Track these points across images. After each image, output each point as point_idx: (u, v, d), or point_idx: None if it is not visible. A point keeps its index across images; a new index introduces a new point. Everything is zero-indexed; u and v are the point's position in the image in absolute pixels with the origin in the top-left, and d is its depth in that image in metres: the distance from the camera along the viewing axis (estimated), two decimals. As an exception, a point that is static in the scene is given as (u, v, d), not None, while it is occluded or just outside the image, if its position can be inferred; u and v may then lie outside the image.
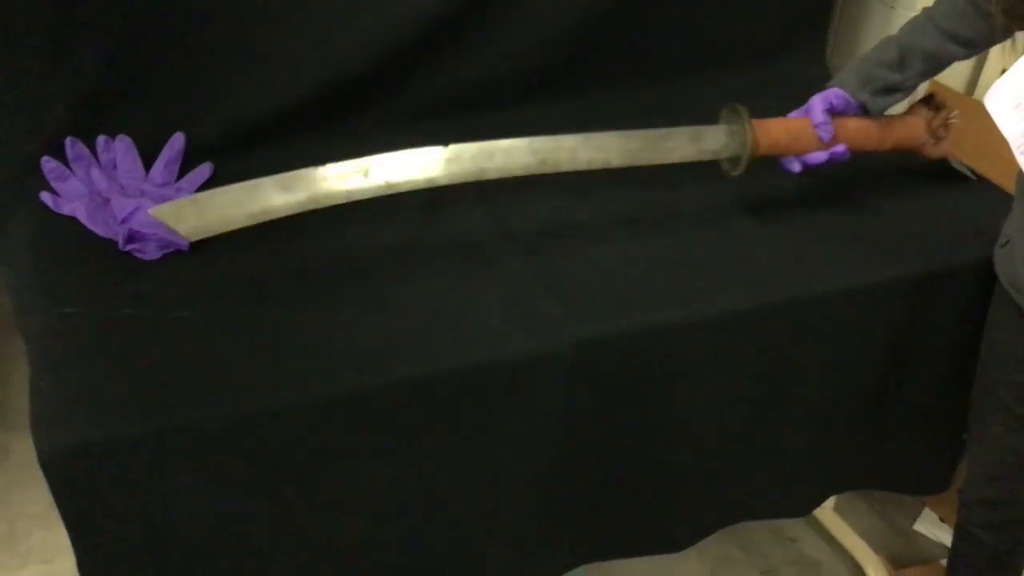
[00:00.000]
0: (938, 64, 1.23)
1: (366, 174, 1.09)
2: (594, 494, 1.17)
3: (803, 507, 1.35)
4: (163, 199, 1.19)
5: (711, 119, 1.24)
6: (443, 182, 1.11)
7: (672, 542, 1.26)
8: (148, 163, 1.27)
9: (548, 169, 1.15)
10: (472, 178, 1.12)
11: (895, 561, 1.72)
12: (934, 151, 1.33)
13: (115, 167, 1.25)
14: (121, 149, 1.26)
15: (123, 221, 1.15)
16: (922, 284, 1.18)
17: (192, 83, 1.29)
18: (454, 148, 1.12)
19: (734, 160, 1.23)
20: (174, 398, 0.92)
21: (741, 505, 1.29)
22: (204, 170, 1.29)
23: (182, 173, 1.29)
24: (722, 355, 1.13)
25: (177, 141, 1.28)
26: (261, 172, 1.29)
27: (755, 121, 1.21)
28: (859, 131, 1.26)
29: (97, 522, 0.90)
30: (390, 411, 0.99)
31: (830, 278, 1.16)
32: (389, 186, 1.10)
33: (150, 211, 1.07)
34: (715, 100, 1.25)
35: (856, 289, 1.15)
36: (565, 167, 1.16)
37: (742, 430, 1.21)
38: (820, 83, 1.27)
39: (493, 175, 1.13)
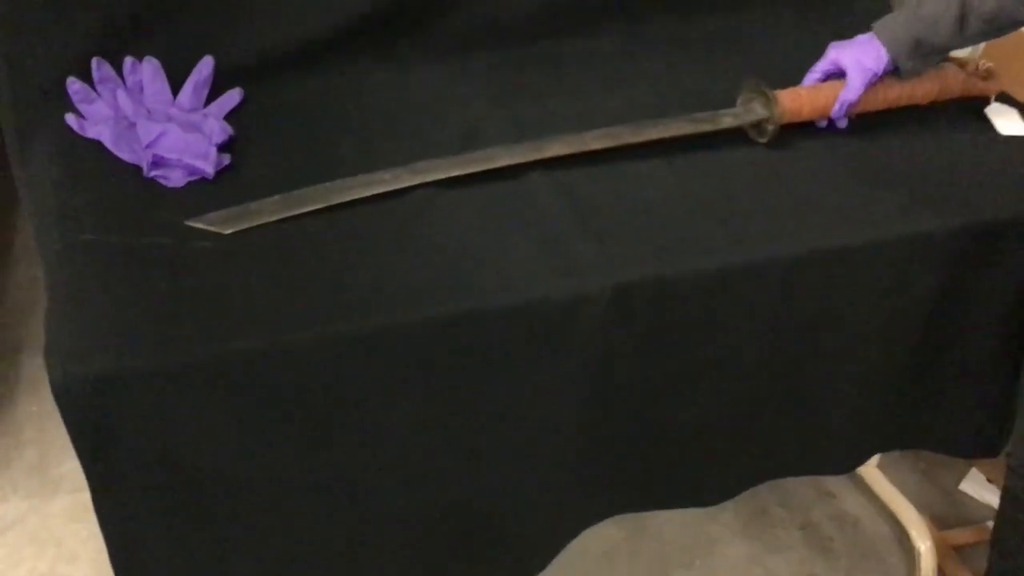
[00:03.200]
0: (999, 27, 1.12)
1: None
2: (629, 443, 1.12)
3: (845, 465, 1.30)
4: (190, 125, 1.15)
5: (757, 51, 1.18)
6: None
7: (708, 495, 1.22)
8: (176, 88, 1.22)
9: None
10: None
11: (939, 522, 1.67)
12: (987, 87, 1.28)
13: (142, 90, 1.21)
14: (148, 72, 1.21)
15: (148, 146, 1.11)
16: (977, 237, 1.11)
17: (222, 4, 1.24)
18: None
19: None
20: (195, 332, 0.89)
21: (780, 461, 1.24)
22: (234, 95, 1.24)
23: (211, 98, 1.24)
24: (765, 304, 1.07)
25: (206, 65, 1.23)
26: (292, 101, 1.26)
27: (779, 95, 1.20)
28: (889, 97, 1.23)
29: (112, 457, 0.87)
30: (417, 351, 0.95)
31: (883, 226, 1.09)
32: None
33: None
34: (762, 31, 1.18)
35: (909, 239, 1.08)
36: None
37: (783, 383, 1.15)
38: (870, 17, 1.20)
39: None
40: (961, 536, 1.66)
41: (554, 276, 0.99)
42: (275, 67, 1.27)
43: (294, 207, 1.06)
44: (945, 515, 1.70)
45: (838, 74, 1.21)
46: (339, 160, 1.16)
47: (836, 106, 1.19)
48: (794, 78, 1.26)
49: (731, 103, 1.26)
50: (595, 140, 1.17)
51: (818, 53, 1.24)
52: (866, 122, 1.23)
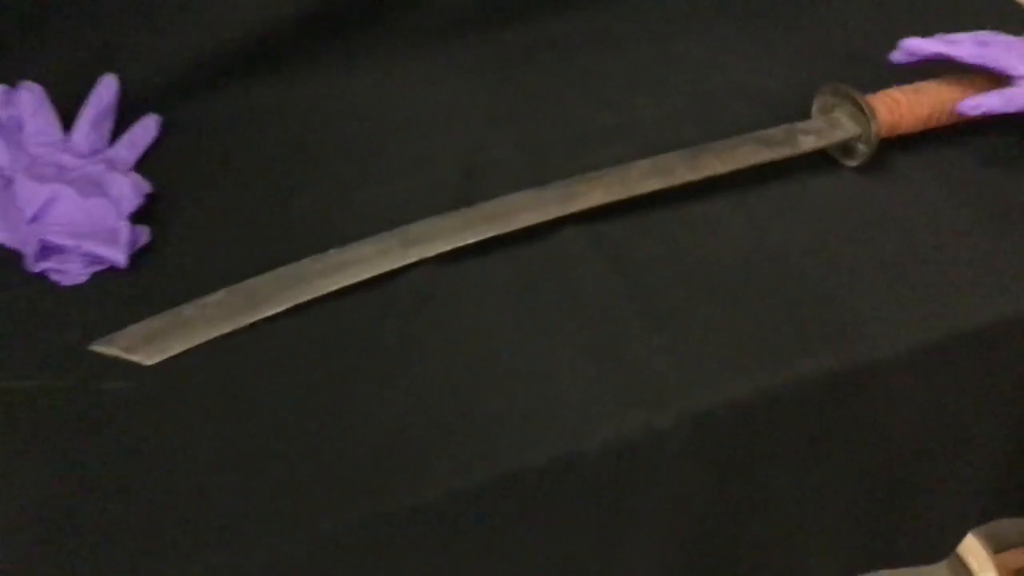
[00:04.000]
0: None
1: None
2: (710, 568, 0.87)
3: (946, 550, 1.06)
4: (90, 183, 0.83)
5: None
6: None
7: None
8: (69, 121, 0.90)
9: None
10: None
11: (996, 541, 1.48)
12: None
13: (20, 129, 0.88)
14: (29, 102, 0.89)
15: (33, 220, 0.80)
16: None
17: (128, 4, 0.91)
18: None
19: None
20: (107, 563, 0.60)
21: (875, 556, 1.00)
22: (149, 127, 0.93)
23: (118, 132, 0.92)
24: (884, 405, 0.81)
25: (107, 88, 0.91)
26: (228, 128, 0.95)
27: (875, 105, 0.91)
28: None
29: None
30: (436, 535, 0.68)
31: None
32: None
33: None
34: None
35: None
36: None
37: (885, 480, 0.90)
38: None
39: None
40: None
41: (613, 406, 0.72)
42: (204, 82, 0.95)
43: (244, 312, 0.76)
44: (1003, 534, 1.50)
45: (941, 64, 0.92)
46: (300, 218, 0.86)
47: (971, 107, 0.90)
48: (870, 62, 0.98)
49: (796, 100, 0.98)
50: (642, 179, 0.87)
51: (898, 28, 0.96)
52: (964, 133, 0.95)
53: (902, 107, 0.92)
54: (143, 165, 0.89)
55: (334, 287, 0.78)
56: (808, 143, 0.91)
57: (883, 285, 0.81)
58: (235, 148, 0.92)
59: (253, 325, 0.76)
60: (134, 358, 0.72)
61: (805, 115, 0.96)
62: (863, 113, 0.91)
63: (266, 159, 0.91)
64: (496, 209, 0.85)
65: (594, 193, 0.86)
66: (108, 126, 0.91)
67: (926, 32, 1.04)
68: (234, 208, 0.86)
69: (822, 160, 0.94)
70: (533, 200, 0.85)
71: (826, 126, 0.93)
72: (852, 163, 0.93)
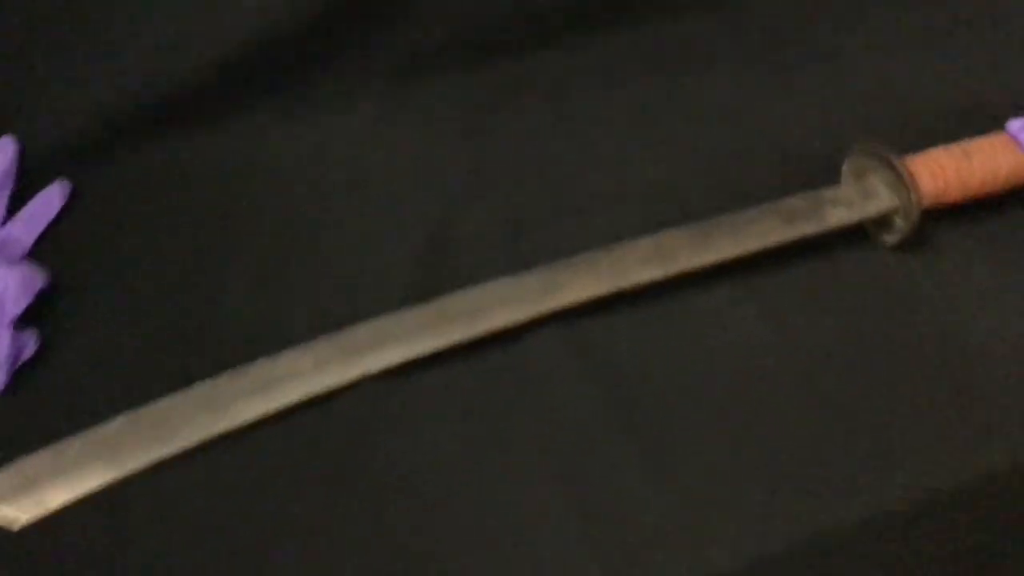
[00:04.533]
0: None
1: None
2: None
3: None
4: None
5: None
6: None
7: None
8: (-46, 192, 0.76)
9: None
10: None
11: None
12: None
13: None
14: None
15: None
16: None
17: (23, 56, 0.76)
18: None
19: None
20: None
21: None
22: (52, 199, 0.78)
23: (16, 204, 0.77)
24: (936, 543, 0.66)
25: (2, 152, 0.77)
26: (145, 186, 0.80)
27: (916, 169, 0.76)
28: None
29: None
30: None
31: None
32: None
33: None
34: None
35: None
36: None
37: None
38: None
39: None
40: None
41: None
42: (117, 141, 0.81)
43: (146, 447, 0.62)
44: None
45: None
46: (224, 315, 0.71)
47: None
48: (910, 112, 0.84)
49: (823, 157, 0.83)
50: (640, 266, 0.73)
51: (942, 70, 0.81)
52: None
53: (948, 174, 0.77)
54: (42, 244, 0.75)
55: (257, 414, 0.63)
56: (837, 217, 0.76)
57: (931, 404, 0.66)
58: (151, 220, 0.77)
59: (158, 464, 0.61)
60: (1, 513, 0.57)
61: (833, 176, 0.81)
62: (902, 181, 0.76)
63: (187, 236, 0.76)
64: (460, 306, 0.70)
65: (581, 284, 0.71)
66: (3, 197, 0.76)
67: (969, 73, 0.89)
68: (145, 301, 0.71)
69: (853, 235, 0.79)
70: (506, 293, 0.71)
71: (858, 196, 0.78)
72: (890, 239, 0.78)
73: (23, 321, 0.67)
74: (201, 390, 0.64)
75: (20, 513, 0.58)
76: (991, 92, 0.88)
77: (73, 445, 0.61)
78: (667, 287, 0.72)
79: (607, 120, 0.90)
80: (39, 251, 0.74)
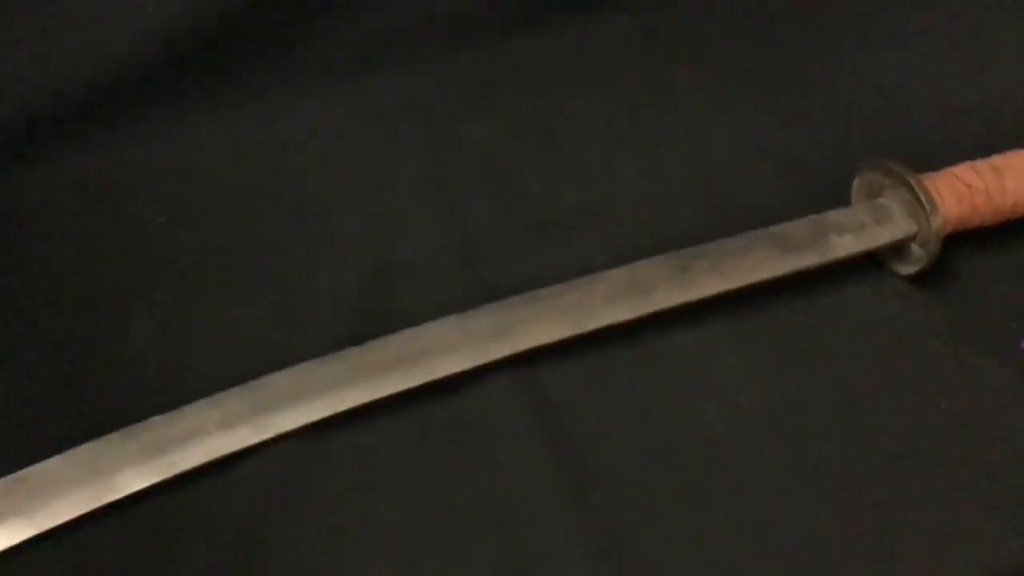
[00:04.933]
0: None
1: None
2: None
3: None
4: None
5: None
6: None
7: None
8: None
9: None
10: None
11: None
12: None
13: None
14: None
15: None
16: None
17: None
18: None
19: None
20: None
21: None
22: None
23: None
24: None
25: None
26: (45, 199, 0.71)
27: (937, 190, 0.66)
28: None
29: None
30: None
31: None
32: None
33: None
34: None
35: None
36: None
37: None
38: None
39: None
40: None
41: None
42: (15, 148, 0.71)
43: (16, 524, 0.52)
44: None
45: None
46: (130, 355, 0.62)
47: None
48: (929, 123, 0.73)
49: (829, 172, 0.72)
50: (610, 302, 0.62)
51: (956, 77, 0.70)
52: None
53: (976, 195, 0.66)
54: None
55: (147, 483, 0.54)
56: (843, 246, 0.66)
57: (945, 489, 0.55)
58: (47, 243, 0.68)
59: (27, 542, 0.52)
60: None
61: (842, 197, 0.71)
62: (921, 202, 0.65)
63: (88, 262, 0.66)
64: (399, 350, 0.60)
65: (539, 325, 0.61)
66: None
67: (998, 82, 0.78)
68: (34, 341, 0.62)
69: (863, 264, 0.68)
70: (453, 336, 0.61)
71: (870, 220, 0.67)
72: (906, 270, 0.68)
73: None
74: (82, 455, 0.54)
75: None
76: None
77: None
78: (640, 328, 0.62)
79: (586, 124, 0.79)
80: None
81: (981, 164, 0.68)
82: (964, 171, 0.67)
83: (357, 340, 0.61)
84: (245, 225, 0.70)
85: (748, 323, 0.64)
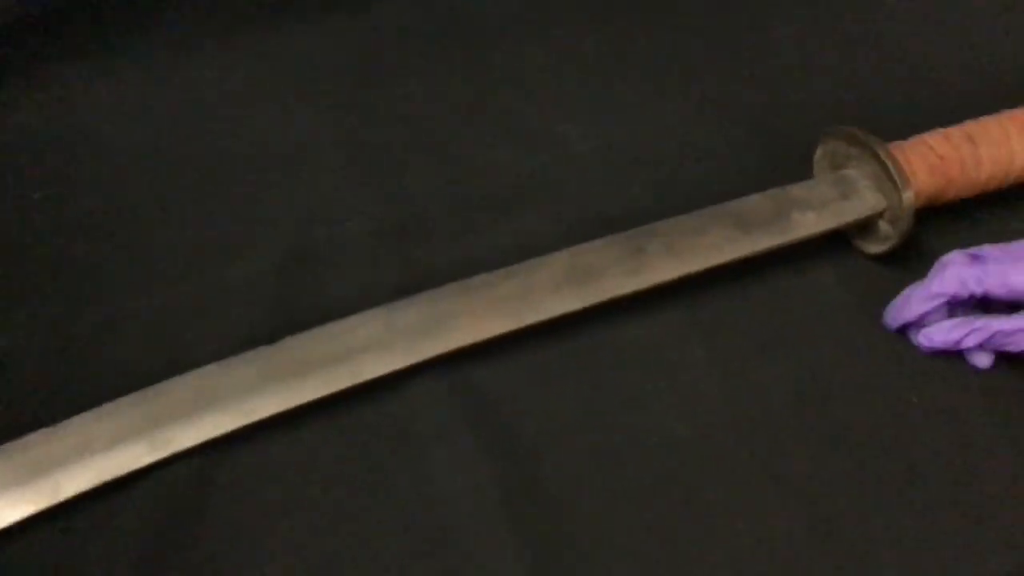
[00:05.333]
0: None
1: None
2: None
3: None
4: None
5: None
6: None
7: None
8: None
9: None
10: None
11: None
12: None
13: None
14: None
15: None
16: None
17: None
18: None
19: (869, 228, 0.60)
20: None
21: None
22: None
23: None
24: None
25: None
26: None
27: (907, 158, 0.60)
28: None
29: None
30: None
31: None
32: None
33: None
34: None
35: None
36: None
37: None
38: None
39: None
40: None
41: None
42: None
43: None
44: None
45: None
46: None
47: None
48: (901, 87, 0.68)
49: (786, 137, 0.67)
50: (553, 292, 0.56)
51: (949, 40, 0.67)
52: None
53: (950, 166, 0.61)
54: None
55: (25, 513, 0.47)
56: (806, 225, 0.60)
57: (925, 497, 0.51)
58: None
59: None
60: None
61: (805, 168, 0.65)
62: (889, 175, 0.59)
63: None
64: (316, 349, 0.53)
65: (477, 317, 0.55)
66: None
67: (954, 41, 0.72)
68: None
69: (828, 241, 0.62)
70: (380, 331, 0.54)
71: (834, 194, 0.61)
72: (874, 249, 0.62)
73: None
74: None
75: None
76: (1003, 64, 0.71)
77: None
78: (587, 319, 0.56)
79: (532, 82, 0.72)
80: None
81: (954, 132, 0.62)
82: (936, 140, 0.62)
83: (271, 337, 0.54)
84: (138, 202, 0.61)
85: (705, 310, 0.58)
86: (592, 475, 0.51)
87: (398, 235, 0.62)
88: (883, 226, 0.61)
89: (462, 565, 0.48)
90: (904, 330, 0.57)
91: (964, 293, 0.54)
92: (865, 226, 0.62)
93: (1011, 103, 0.63)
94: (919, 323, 0.56)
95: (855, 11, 0.76)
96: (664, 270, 0.57)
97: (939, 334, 0.55)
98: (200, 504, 0.49)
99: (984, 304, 0.57)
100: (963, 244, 0.61)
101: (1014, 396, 0.54)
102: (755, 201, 0.61)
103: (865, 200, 0.61)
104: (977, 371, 0.55)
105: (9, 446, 0.48)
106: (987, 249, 0.55)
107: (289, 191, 0.64)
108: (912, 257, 0.61)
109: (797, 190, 0.61)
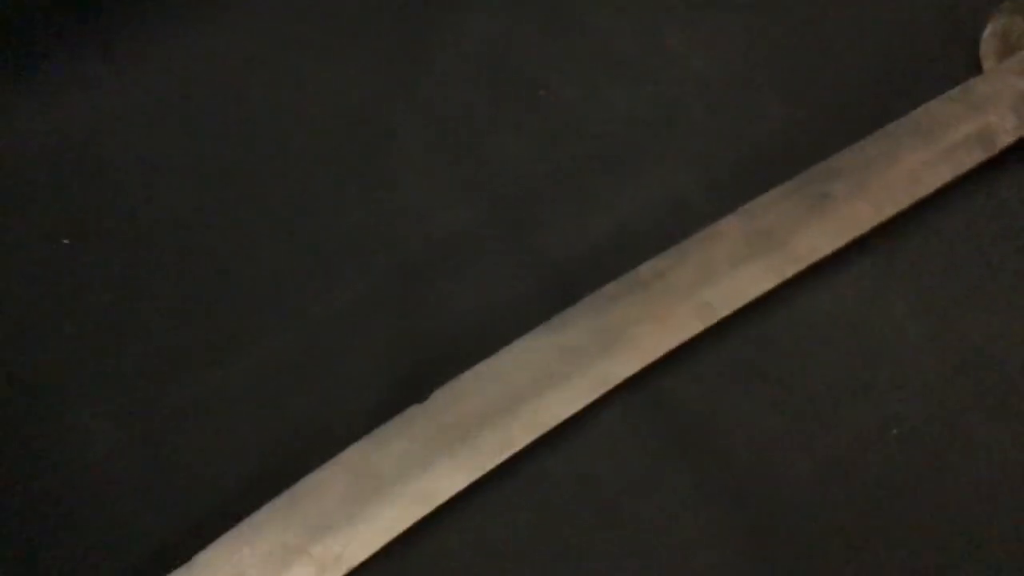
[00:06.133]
0: None
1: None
2: None
3: None
4: None
5: None
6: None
7: None
8: None
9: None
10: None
11: None
12: None
13: None
14: None
15: None
16: None
17: None
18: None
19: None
20: None
21: None
22: None
23: None
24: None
25: None
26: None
27: None
28: None
29: None
30: None
31: None
32: None
33: None
34: None
35: None
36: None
37: None
38: None
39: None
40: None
41: None
42: None
43: None
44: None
45: None
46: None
47: None
48: None
49: (932, 29, 0.56)
50: (739, 275, 0.46)
51: None
52: None
53: None
54: None
55: None
56: (1007, 129, 0.50)
57: None
58: None
59: None
60: None
61: (962, 58, 0.54)
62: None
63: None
64: (473, 404, 0.43)
65: (656, 322, 0.44)
66: None
67: None
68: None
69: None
70: (543, 362, 0.44)
71: (1028, 84, 0.51)
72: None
73: None
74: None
75: None
76: None
77: None
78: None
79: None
80: None
81: None
82: None
83: (410, 380, 0.44)
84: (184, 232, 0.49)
85: (900, 254, 0.48)
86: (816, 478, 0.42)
87: (508, 222, 0.51)
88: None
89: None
90: None
91: None
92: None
93: None
94: None
95: None
96: (861, 218, 0.47)
97: None
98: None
99: None
100: None
101: None
102: (938, 108, 0.50)
103: None
104: None
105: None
106: None
107: (370, 187, 0.52)
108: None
109: (982, 85, 0.51)
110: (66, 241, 0.49)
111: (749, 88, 0.55)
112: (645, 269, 0.45)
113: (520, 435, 0.42)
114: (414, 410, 0.42)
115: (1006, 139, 0.49)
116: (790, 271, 0.45)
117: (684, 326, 0.44)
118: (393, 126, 0.53)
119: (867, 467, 0.43)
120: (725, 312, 0.44)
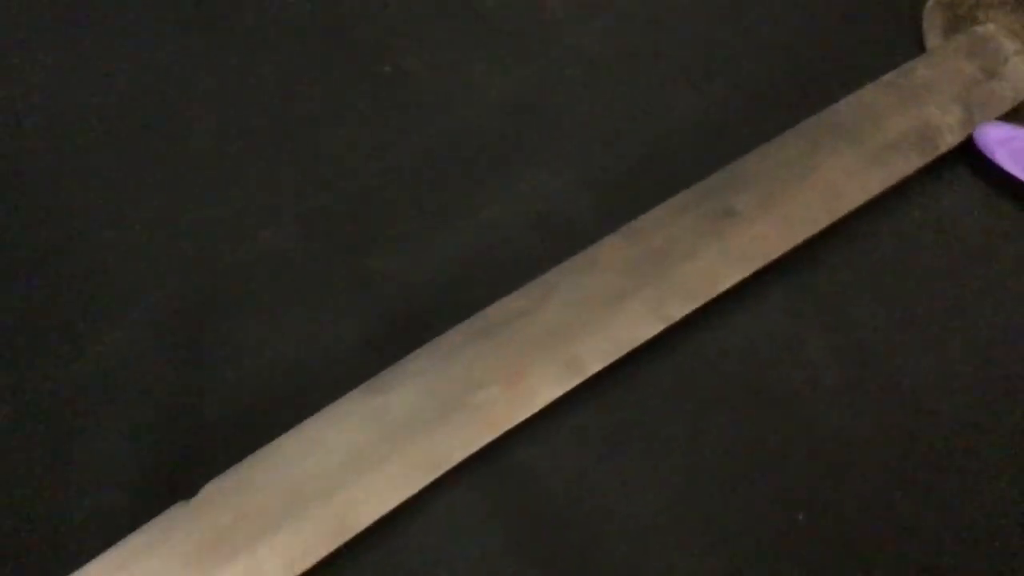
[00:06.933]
0: None
1: None
2: None
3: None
4: None
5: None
6: None
7: None
8: None
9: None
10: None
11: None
12: None
13: None
14: None
15: None
16: None
17: None
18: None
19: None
20: None
21: None
22: None
23: None
24: None
25: None
26: None
27: None
28: None
29: None
30: None
31: None
32: None
33: None
34: None
35: None
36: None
37: None
38: None
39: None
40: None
41: None
42: None
43: None
44: None
45: None
46: None
47: None
48: None
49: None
50: (619, 316, 0.36)
51: None
52: None
53: None
54: None
55: None
56: (951, 127, 0.40)
57: None
58: None
59: None
60: None
61: (905, 32, 0.45)
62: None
63: None
64: (243, 509, 0.32)
65: (510, 384, 0.34)
66: None
67: None
68: None
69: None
70: (355, 441, 0.33)
71: (973, 70, 0.42)
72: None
73: None
74: None
75: None
76: None
77: None
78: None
79: None
80: None
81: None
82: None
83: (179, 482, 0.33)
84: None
85: (821, 272, 0.39)
86: None
87: (330, 239, 0.40)
88: (1040, 106, 0.42)
89: None
90: None
91: None
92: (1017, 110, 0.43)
93: None
94: None
95: None
96: (770, 240, 0.37)
97: None
98: None
99: None
100: None
101: None
102: (870, 97, 0.40)
103: (1020, 73, 0.41)
104: None
105: None
106: None
107: (151, 193, 0.41)
108: None
109: (922, 69, 0.41)
110: None
111: (649, 70, 0.44)
112: (496, 310, 0.35)
113: (318, 541, 0.31)
114: (178, 510, 0.31)
115: (949, 139, 0.40)
116: (682, 311, 0.35)
117: (544, 388, 0.34)
118: (187, 115, 0.41)
119: (766, 562, 0.34)
120: (597, 367, 0.34)
